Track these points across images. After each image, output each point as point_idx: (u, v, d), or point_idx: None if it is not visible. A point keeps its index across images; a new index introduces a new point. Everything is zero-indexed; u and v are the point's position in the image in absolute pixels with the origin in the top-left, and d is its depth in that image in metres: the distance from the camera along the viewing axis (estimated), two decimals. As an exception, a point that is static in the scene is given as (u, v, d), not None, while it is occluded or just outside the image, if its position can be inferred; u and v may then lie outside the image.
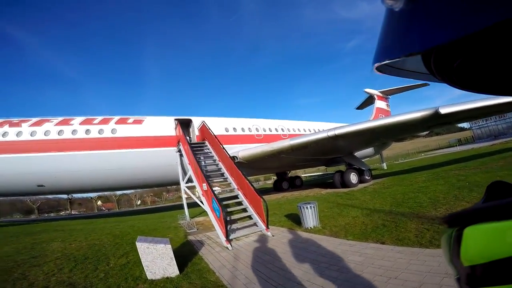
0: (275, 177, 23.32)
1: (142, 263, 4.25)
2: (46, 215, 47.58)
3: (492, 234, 0.30)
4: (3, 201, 36.06)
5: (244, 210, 7.89)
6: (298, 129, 17.83)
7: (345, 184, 13.68)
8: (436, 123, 11.25)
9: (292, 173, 36.65)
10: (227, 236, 6.01)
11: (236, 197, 8.57)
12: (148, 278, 4.16)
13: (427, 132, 23.73)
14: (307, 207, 6.20)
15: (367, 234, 4.80)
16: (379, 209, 6.72)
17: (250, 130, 15.24)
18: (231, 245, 5.78)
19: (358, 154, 17.28)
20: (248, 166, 14.43)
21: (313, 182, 24.24)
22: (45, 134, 10.73)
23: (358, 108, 26.87)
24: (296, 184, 21.25)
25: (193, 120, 13.86)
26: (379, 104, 23.42)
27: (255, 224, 7.13)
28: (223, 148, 10.27)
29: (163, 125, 12.72)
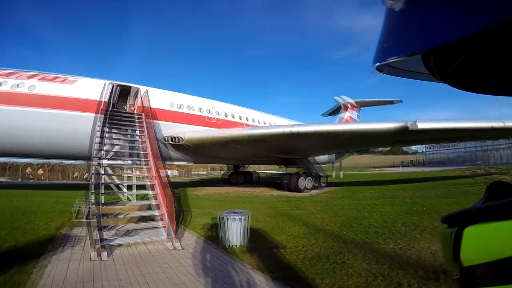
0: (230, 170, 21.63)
1: None
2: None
3: (492, 234, 0.30)
4: None
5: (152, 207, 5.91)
6: (264, 122, 16.23)
7: (299, 188, 12.64)
8: (403, 138, 10.56)
9: (252, 168, 35.58)
10: (101, 239, 4.16)
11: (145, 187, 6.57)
12: None
13: (388, 148, 24.15)
14: (233, 219, 4.51)
15: (304, 271, 3.30)
16: (327, 229, 5.38)
17: (209, 112, 13.19)
18: (100, 255, 3.95)
19: (317, 159, 16.38)
20: (197, 152, 12.50)
21: (270, 180, 23.20)
22: None
23: (329, 114, 26.22)
24: (253, 179, 19.98)
25: (140, 90, 11.27)
26: (348, 114, 22.91)
27: (159, 228, 5.30)
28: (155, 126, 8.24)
29: (97, 89, 10.10)
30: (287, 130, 9.82)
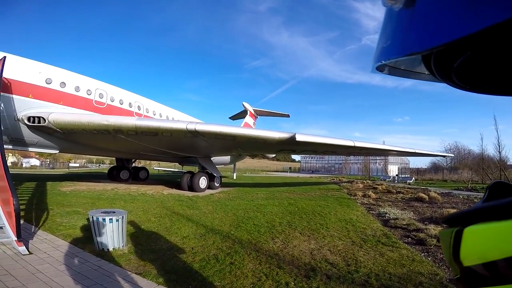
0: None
1: None
2: None
3: (492, 234, 0.29)
4: None
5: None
6: (161, 114, 14.95)
7: (193, 187, 12.39)
8: (287, 147, 12.16)
9: (143, 164, 32.04)
10: None
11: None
12: None
13: (273, 155, 27.34)
14: (107, 220, 3.93)
15: (193, 275, 3.23)
16: (216, 229, 5.50)
17: (90, 93, 10.95)
18: None
19: (215, 160, 16.56)
20: (66, 139, 10.13)
21: (162, 178, 21.64)
22: None
23: (231, 118, 27.29)
24: (140, 176, 17.95)
25: None
26: (249, 120, 24.52)
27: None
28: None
29: None
30: (183, 126, 9.33)
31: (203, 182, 12.89)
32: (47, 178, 15.33)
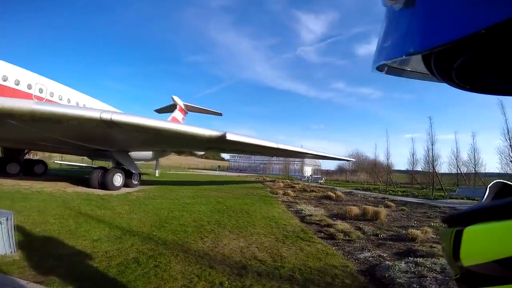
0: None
1: None
2: None
3: (492, 234, 0.29)
4: None
5: None
6: (69, 100, 12.41)
7: (106, 185, 10.86)
8: (217, 145, 12.06)
9: (40, 155, 25.94)
10: None
11: None
12: None
13: (202, 153, 26.66)
14: None
15: (108, 281, 2.77)
16: (135, 230, 4.94)
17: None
18: None
19: (134, 155, 14.89)
20: None
21: (66, 173, 18.06)
22: None
23: (157, 111, 25.15)
24: (36, 171, 14.61)
25: None
26: (177, 114, 23.09)
27: None
28: None
29: None
30: (96, 115, 8.12)
31: (118, 179, 11.43)
32: None
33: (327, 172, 50.11)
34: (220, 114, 25.77)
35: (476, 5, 0.27)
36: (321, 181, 33.97)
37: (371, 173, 34.47)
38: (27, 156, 15.34)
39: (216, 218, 6.63)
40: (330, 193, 13.79)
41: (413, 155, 26.76)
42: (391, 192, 20.58)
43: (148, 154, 18.74)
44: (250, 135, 17.69)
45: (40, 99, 10.49)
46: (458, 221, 0.34)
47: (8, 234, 3.32)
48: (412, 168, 27.28)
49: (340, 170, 50.41)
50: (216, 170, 56.70)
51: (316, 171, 50.96)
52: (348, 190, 19.32)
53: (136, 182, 12.97)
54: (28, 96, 10.06)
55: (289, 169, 47.54)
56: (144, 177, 16.05)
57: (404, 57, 0.36)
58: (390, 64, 0.43)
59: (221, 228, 5.64)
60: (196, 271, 3.22)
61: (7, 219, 3.31)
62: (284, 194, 13.77)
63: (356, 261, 4.13)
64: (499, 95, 0.40)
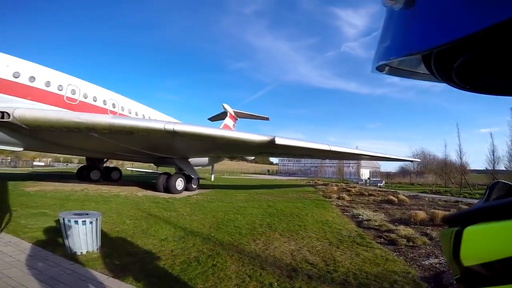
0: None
1: None
2: None
3: (492, 234, 0.29)
4: None
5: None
6: (137, 113, 14.37)
7: (170, 189, 12.07)
8: (267, 150, 12.29)
9: (114, 163, 30.44)
10: None
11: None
12: None
13: (252, 158, 27.41)
14: (80, 222, 3.73)
15: (172, 278, 3.15)
16: (196, 231, 5.41)
17: (61, 89, 10.28)
18: None
19: (192, 161, 16.25)
20: (34, 136, 9.45)
21: (136, 179, 20.75)
22: None
23: (210, 119, 26.97)
24: (113, 177, 17.08)
25: None
26: (228, 121, 24.38)
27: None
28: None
29: None
30: (160, 126, 9.03)
31: (180, 183, 12.59)
32: (8, 178, 14.07)
33: (387, 175, 45.96)
34: (267, 119, 26.13)
35: (476, 5, 0.27)
36: (381, 184, 31.21)
37: (440, 174, 30.29)
38: (105, 164, 18.08)
39: (267, 221, 6.78)
40: (391, 196, 12.67)
41: (493, 152, 22.75)
42: (466, 195, 17.78)
43: (205, 160, 20.17)
44: (299, 138, 17.48)
45: (113, 113, 12.36)
46: (458, 221, 0.34)
47: (96, 233, 3.93)
48: (493, 167, 23.07)
49: (403, 172, 45.61)
50: (265, 174, 57.43)
51: (374, 173, 47.29)
52: (413, 194, 17.41)
53: (195, 186, 14.09)
54: (104, 111, 11.97)
55: (343, 172, 44.98)
56: (201, 182, 17.33)
57: (404, 57, 0.37)
58: (390, 64, 0.43)
59: (272, 231, 5.75)
60: (248, 272, 3.38)
61: (96, 220, 3.94)
62: (339, 198, 13.17)
63: (420, 267, 3.78)
64: (499, 95, 0.39)
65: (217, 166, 30.08)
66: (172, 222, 6.18)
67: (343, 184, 26.45)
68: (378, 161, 40.93)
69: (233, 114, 24.94)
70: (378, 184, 30.93)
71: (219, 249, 4.25)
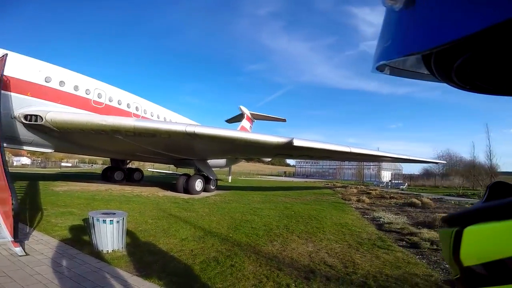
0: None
1: None
2: None
3: (492, 234, 0.29)
4: None
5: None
6: (158, 116, 14.91)
7: (189, 189, 12.39)
8: (284, 152, 12.25)
9: (137, 165, 31.67)
10: None
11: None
12: None
13: (269, 159, 27.41)
14: (107, 221, 3.94)
15: (193, 277, 3.26)
16: (215, 232, 5.53)
17: (88, 93, 10.93)
18: None
19: (211, 162, 16.57)
20: (61, 138, 10.07)
21: (156, 180, 21.47)
22: None
23: (228, 121, 27.35)
24: (135, 177, 17.80)
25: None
26: (245, 123, 24.59)
27: None
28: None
29: None
30: (182, 128, 9.33)
31: (199, 184, 12.88)
32: (39, 178, 15.09)
33: (410, 177, 44.18)
34: (284, 120, 26.04)
35: (476, 5, 0.27)
36: (403, 187, 30.00)
37: (468, 176, 28.60)
38: (128, 166, 18.84)
39: (284, 222, 6.77)
40: (414, 199, 12.18)
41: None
42: (498, 199, 16.60)
43: (223, 161, 20.48)
44: (317, 139, 17.25)
45: (137, 116, 12.91)
46: (458, 221, 0.34)
47: (122, 232, 4.11)
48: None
49: (427, 174, 43.61)
50: (282, 176, 57.07)
51: (396, 175, 45.59)
52: (438, 197, 16.61)
53: (213, 187, 14.35)
54: (128, 114, 12.53)
55: (363, 174, 43.65)
56: (218, 183, 17.61)
57: (404, 57, 0.37)
58: (390, 64, 0.43)
59: (289, 232, 5.74)
60: (266, 272, 3.41)
61: (122, 219, 4.12)
62: (358, 200, 12.86)
63: (444, 271, 3.65)
64: (499, 95, 0.40)
65: (234, 167, 30.37)
66: (191, 222, 6.35)
67: (363, 186, 25.73)
68: (400, 163, 39.43)
69: (249, 116, 25.11)
70: (400, 186, 29.77)
71: (237, 250, 4.33)
